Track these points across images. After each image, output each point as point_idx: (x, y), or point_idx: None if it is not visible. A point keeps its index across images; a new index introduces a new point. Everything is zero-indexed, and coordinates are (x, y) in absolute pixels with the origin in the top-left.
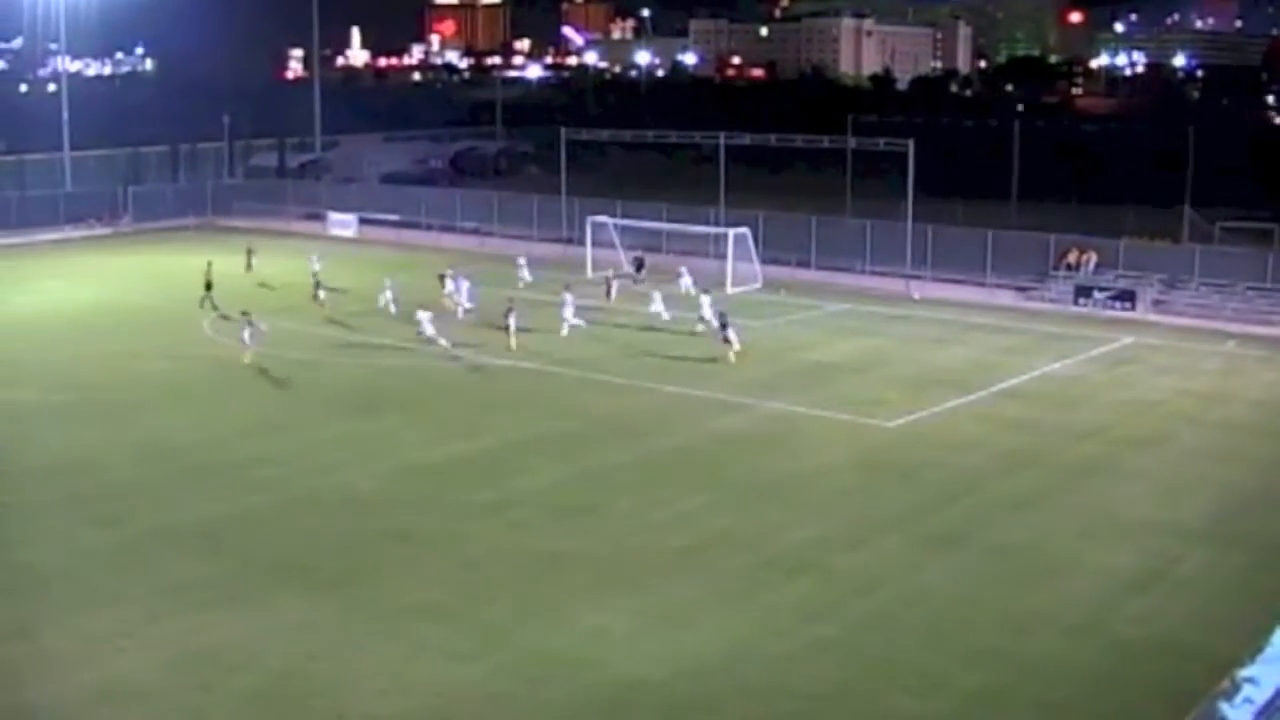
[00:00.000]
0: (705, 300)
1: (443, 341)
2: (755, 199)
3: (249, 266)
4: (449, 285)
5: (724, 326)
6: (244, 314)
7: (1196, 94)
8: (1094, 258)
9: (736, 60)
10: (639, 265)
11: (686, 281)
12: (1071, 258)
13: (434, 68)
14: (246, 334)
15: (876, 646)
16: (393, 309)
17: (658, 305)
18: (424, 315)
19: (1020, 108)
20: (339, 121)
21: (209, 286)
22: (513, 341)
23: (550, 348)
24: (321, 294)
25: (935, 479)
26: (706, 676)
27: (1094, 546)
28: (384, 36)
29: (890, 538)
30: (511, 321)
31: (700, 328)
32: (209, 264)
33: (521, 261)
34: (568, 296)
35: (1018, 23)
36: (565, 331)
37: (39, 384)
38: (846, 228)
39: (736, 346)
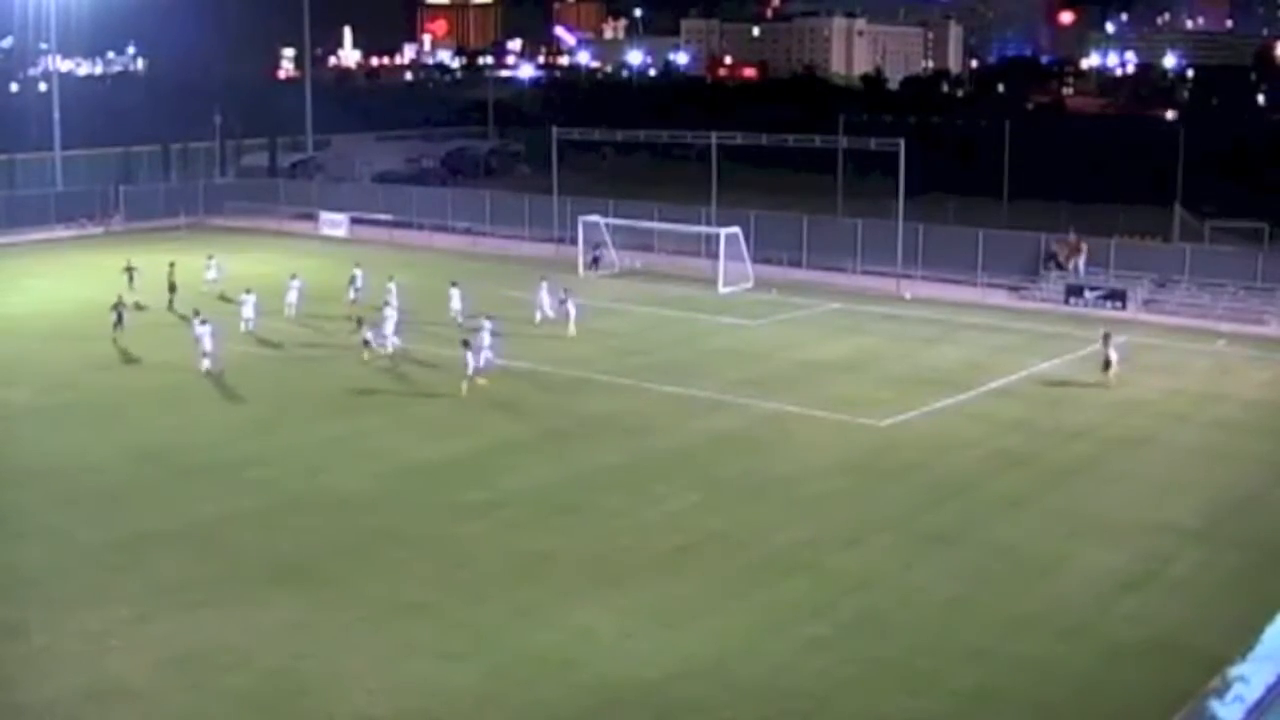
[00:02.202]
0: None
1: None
2: (747, 198)
3: (131, 283)
4: (291, 294)
5: (465, 345)
6: (197, 313)
7: (1187, 94)
8: (1084, 248)
9: (728, 60)
10: (594, 260)
11: (456, 305)
12: (1061, 256)
13: (426, 67)
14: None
15: (869, 646)
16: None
17: (390, 325)
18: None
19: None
20: (331, 121)
21: (172, 289)
22: (365, 354)
23: (541, 350)
24: (123, 317)
25: (927, 479)
26: (698, 676)
27: (1086, 546)
28: (376, 36)
29: (883, 537)
30: (368, 335)
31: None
32: (171, 265)
33: (356, 272)
34: (389, 312)
35: (1009, 23)
36: (390, 349)
37: (30, 384)
38: (838, 227)
39: (468, 376)
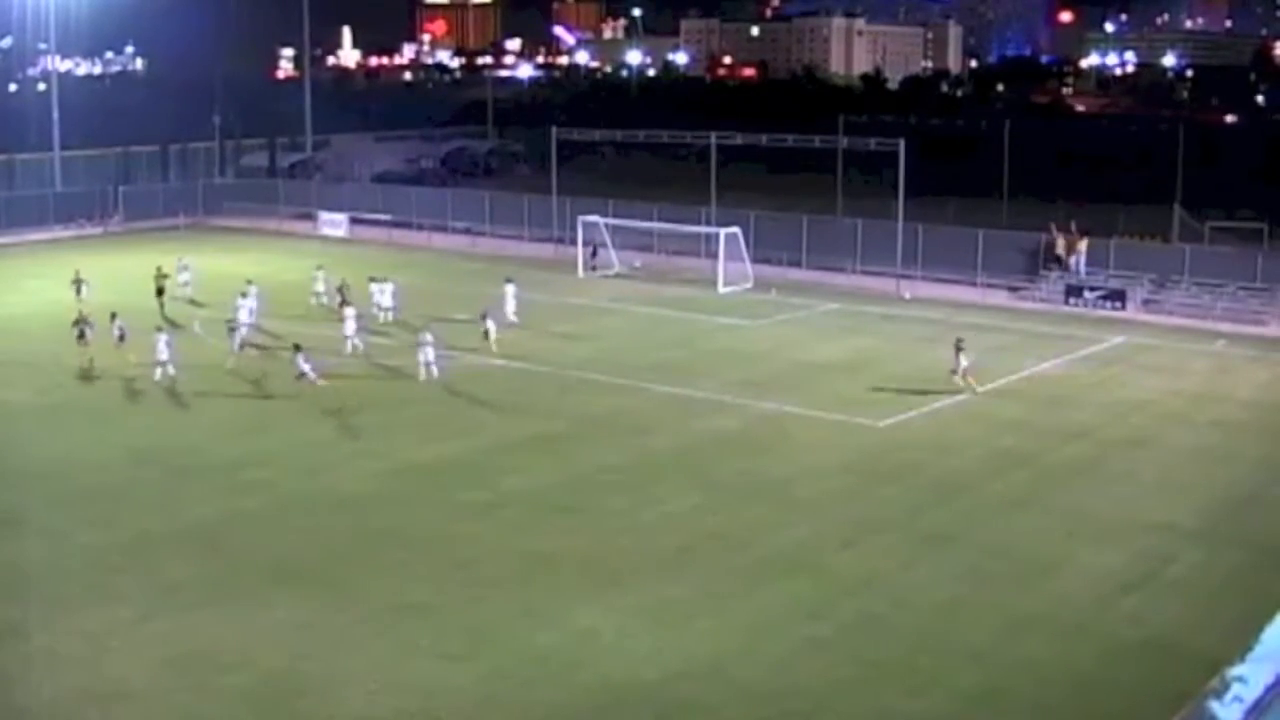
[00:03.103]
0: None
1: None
2: (747, 198)
3: (79, 294)
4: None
5: (484, 318)
6: (113, 316)
7: (1186, 94)
8: (1084, 244)
9: (728, 60)
10: (594, 252)
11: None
12: (1060, 247)
13: (425, 67)
14: (116, 331)
15: (869, 646)
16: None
17: (350, 325)
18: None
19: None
20: (330, 121)
21: (160, 292)
22: (231, 362)
23: (539, 350)
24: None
25: (926, 479)
26: (698, 677)
27: (1086, 546)
28: (375, 36)
29: (882, 538)
30: (236, 342)
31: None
32: (158, 268)
33: (318, 274)
34: (348, 311)
35: (1008, 23)
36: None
37: (29, 385)
38: (838, 227)
39: (494, 339)
